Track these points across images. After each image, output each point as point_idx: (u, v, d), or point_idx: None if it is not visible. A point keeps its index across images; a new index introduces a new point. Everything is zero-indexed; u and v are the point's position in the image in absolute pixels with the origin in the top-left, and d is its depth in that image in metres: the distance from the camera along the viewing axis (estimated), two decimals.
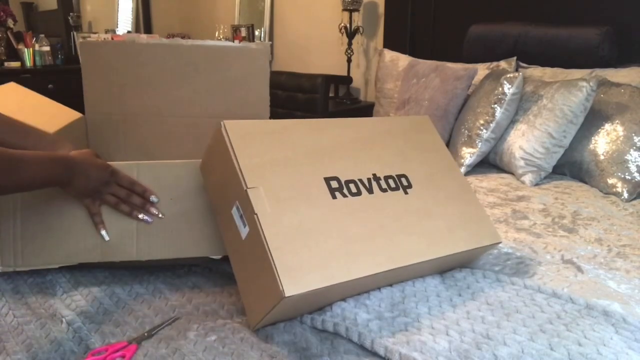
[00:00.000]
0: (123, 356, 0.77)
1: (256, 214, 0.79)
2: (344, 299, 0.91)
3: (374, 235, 0.88)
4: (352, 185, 0.91)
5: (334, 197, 0.87)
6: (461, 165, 1.86)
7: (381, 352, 0.78)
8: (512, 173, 1.83)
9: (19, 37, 3.24)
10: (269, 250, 0.77)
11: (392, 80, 2.51)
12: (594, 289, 1.02)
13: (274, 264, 0.76)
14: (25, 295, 0.96)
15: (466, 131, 1.90)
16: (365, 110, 2.80)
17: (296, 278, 0.76)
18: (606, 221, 1.41)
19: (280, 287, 0.74)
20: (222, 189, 0.90)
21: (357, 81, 3.19)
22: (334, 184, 0.89)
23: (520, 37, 2.22)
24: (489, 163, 1.93)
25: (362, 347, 0.81)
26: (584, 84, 1.71)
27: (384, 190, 0.94)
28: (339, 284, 0.80)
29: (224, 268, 1.07)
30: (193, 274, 1.05)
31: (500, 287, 1.00)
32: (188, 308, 0.92)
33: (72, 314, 0.89)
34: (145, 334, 0.83)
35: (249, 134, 0.88)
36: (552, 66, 2.10)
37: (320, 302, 0.88)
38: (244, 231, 0.83)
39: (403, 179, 0.99)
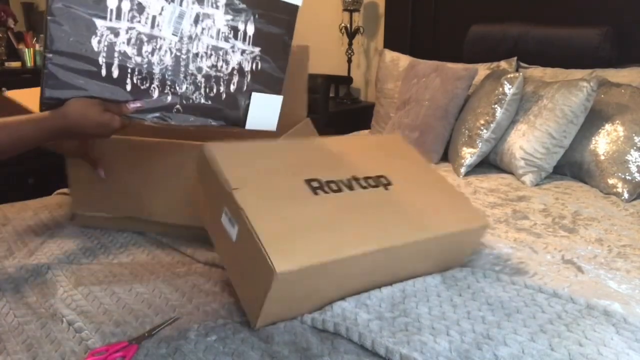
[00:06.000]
0: (123, 356, 0.77)
1: (242, 209, 0.83)
2: (344, 299, 0.91)
3: (359, 220, 0.91)
4: (332, 184, 0.95)
5: (316, 193, 0.92)
6: (461, 165, 1.86)
7: (382, 352, 0.78)
8: (512, 173, 1.83)
9: (20, 37, 3.24)
10: (257, 236, 0.80)
11: (392, 80, 2.51)
12: (595, 289, 1.02)
13: (263, 247, 0.78)
14: (25, 295, 0.96)
15: (466, 131, 1.90)
16: (365, 110, 2.80)
17: (286, 256, 0.79)
18: (606, 221, 1.41)
19: (271, 265, 0.76)
20: (211, 206, 0.95)
21: (358, 81, 3.19)
22: (315, 184, 0.93)
23: (521, 37, 2.22)
24: (489, 163, 1.93)
25: (362, 347, 0.81)
26: (585, 84, 1.71)
27: (364, 188, 0.98)
28: (331, 265, 0.83)
29: (225, 268, 1.07)
30: (193, 274, 1.05)
31: (501, 287, 1.00)
32: (188, 308, 0.92)
33: (72, 313, 0.89)
34: (146, 334, 0.83)
35: (232, 151, 0.95)
36: (553, 66, 2.10)
37: (317, 294, 0.88)
38: (233, 232, 0.86)
39: (382, 179, 1.02)
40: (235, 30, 0.94)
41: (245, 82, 0.99)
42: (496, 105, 1.83)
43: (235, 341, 0.82)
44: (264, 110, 1.02)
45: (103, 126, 0.86)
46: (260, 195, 0.87)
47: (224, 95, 0.97)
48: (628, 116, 1.68)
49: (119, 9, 0.82)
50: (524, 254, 1.19)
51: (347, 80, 3.09)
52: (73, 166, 1.21)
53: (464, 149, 1.88)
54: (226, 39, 0.93)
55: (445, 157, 2.02)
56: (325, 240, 0.85)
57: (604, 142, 1.70)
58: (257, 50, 0.98)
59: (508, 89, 1.82)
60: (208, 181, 0.94)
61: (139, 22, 0.85)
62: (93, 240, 1.21)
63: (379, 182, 1.01)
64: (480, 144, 1.85)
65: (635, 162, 1.62)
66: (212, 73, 0.94)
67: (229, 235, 0.87)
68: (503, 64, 2.22)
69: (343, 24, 2.92)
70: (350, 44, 2.97)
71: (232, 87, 0.97)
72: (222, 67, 0.95)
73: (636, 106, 1.69)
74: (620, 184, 1.61)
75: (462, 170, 1.85)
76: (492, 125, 1.83)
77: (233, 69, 0.96)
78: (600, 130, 1.73)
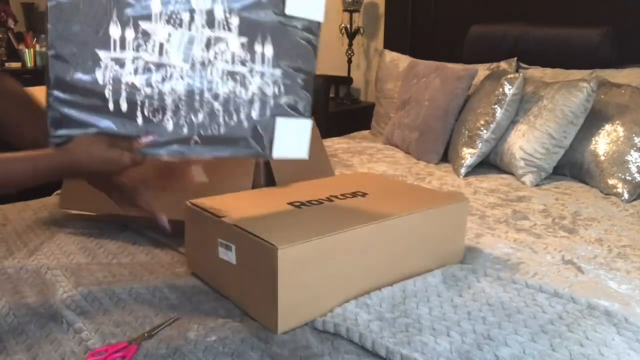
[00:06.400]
0: (123, 356, 0.77)
1: (234, 224, 0.90)
2: (346, 300, 0.91)
3: (346, 212, 1.01)
4: (313, 202, 1.05)
5: (300, 208, 1.02)
6: (461, 165, 1.86)
7: (382, 352, 0.78)
8: (512, 174, 1.83)
9: (20, 38, 3.24)
10: (253, 234, 0.86)
11: (392, 80, 2.51)
12: (595, 290, 1.02)
13: (261, 238, 0.84)
14: (25, 295, 0.96)
15: (466, 131, 1.90)
16: (365, 110, 2.80)
17: (284, 238, 0.84)
18: (606, 222, 1.41)
19: (272, 245, 0.82)
20: (205, 253, 0.99)
21: (358, 82, 3.19)
22: (297, 203, 1.03)
23: (521, 38, 2.22)
24: (489, 163, 1.93)
25: (363, 347, 0.80)
26: (585, 84, 1.71)
27: (342, 199, 1.08)
28: (329, 241, 0.88)
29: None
30: (193, 274, 1.05)
31: (502, 287, 0.99)
32: (188, 308, 0.92)
33: (72, 314, 0.89)
34: (146, 334, 0.83)
35: (215, 200, 1.03)
36: (553, 67, 2.10)
37: (326, 282, 0.90)
38: (232, 255, 0.92)
39: (358, 193, 1.13)
40: (252, 52, 0.86)
41: (268, 107, 0.90)
42: (496, 106, 1.83)
43: (235, 341, 0.82)
44: (291, 136, 0.93)
45: (111, 163, 0.79)
46: (248, 214, 0.96)
47: (245, 123, 0.88)
48: (628, 116, 1.68)
49: (122, 39, 0.76)
50: (524, 254, 1.19)
51: (347, 80, 3.09)
52: None
53: (464, 149, 1.88)
54: (243, 63, 0.86)
55: (445, 158, 2.02)
56: (317, 226, 0.92)
57: (604, 142, 1.70)
58: (278, 72, 0.89)
59: (508, 90, 1.82)
60: (198, 230, 1.03)
61: (145, 50, 0.78)
62: (93, 240, 1.21)
63: (356, 194, 1.11)
64: (480, 144, 1.85)
65: (635, 162, 1.62)
66: (230, 100, 0.87)
67: (228, 263, 0.93)
68: (503, 64, 2.22)
69: (343, 25, 2.92)
70: (350, 44, 2.97)
71: (254, 114, 0.89)
72: (240, 92, 0.87)
73: (636, 106, 1.69)
74: (620, 185, 1.61)
75: (462, 170, 1.85)
76: (492, 125, 1.83)
77: (253, 94, 0.88)
78: (600, 130, 1.73)
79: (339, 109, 2.94)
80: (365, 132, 2.64)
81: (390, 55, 2.58)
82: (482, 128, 1.85)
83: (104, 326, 0.86)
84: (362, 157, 2.08)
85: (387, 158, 2.09)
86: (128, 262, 1.11)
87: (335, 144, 2.32)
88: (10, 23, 3.19)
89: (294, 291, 0.85)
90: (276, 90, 0.90)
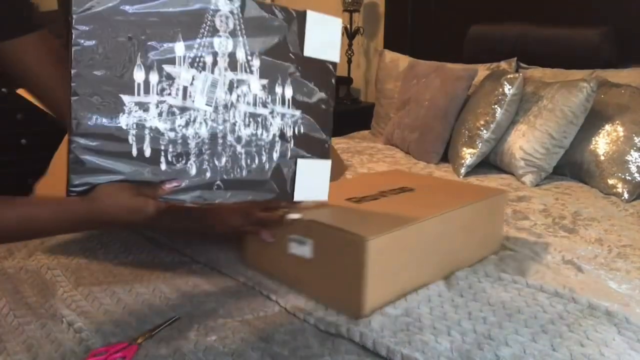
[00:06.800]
0: (124, 356, 0.77)
1: (311, 220, 0.91)
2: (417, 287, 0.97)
3: (408, 205, 1.07)
4: (368, 197, 1.09)
5: (359, 203, 1.06)
6: (461, 165, 1.86)
7: (383, 352, 0.78)
8: (512, 174, 1.83)
9: None
10: (337, 227, 0.90)
11: (392, 80, 2.51)
12: (595, 290, 1.02)
13: (347, 230, 0.88)
14: (25, 295, 0.96)
15: (466, 132, 1.90)
16: (365, 110, 2.80)
17: (368, 229, 0.88)
18: (606, 222, 1.41)
19: (361, 235, 0.86)
20: (272, 250, 1.02)
21: (358, 82, 3.19)
22: (355, 200, 1.08)
23: (521, 38, 2.22)
24: (490, 164, 1.93)
25: (363, 347, 0.80)
26: (585, 84, 1.71)
27: (394, 194, 1.13)
28: (407, 231, 0.93)
29: (224, 268, 1.07)
30: (193, 274, 1.05)
31: (502, 287, 1.00)
32: (188, 308, 0.92)
33: (72, 314, 0.89)
34: (146, 334, 0.83)
35: None
36: (553, 67, 2.10)
37: (405, 269, 0.95)
38: (306, 250, 0.95)
39: (406, 189, 1.17)
40: (272, 94, 0.86)
41: (289, 148, 0.89)
42: (496, 106, 1.83)
43: (235, 341, 0.82)
44: (312, 177, 0.93)
45: (135, 212, 0.75)
46: (318, 211, 0.98)
47: (266, 166, 0.87)
48: (628, 116, 1.68)
49: (146, 83, 0.74)
50: (524, 254, 1.18)
51: (347, 80, 3.08)
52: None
53: (464, 149, 1.88)
54: (264, 104, 0.86)
55: (445, 158, 2.02)
56: (392, 218, 0.96)
57: (603, 142, 1.71)
58: (298, 112, 0.90)
59: (508, 90, 1.82)
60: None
61: (169, 94, 0.76)
62: (93, 240, 1.20)
63: (404, 190, 1.16)
64: (480, 144, 1.85)
65: (635, 162, 1.62)
66: (252, 142, 0.86)
67: (301, 256, 0.96)
68: (503, 64, 2.22)
69: (343, 25, 2.92)
70: (350, 44, 2.97)
71: (275, 156, 0.88)
72: (262, 135, 0.86)
73: (636, 106, 1.69)
74: (620, 184, 1.61)
75: (462, 170, 1.85)
76: (492, 125, 1.83)
77: (274, 135, 0.87)
78: (600, 130, 1.73)
79: (338, 109, 2.90)
80: (365, 132, 2.64)
81: (390, 55, 2.59)
82: (482, 128, 1.85)
83: (104, 326, 0.86)
84: (362, 157, 2.08)
85: (387, 158, 2.09)
86: (128, 261, 1.11)
87: (335, 144, 2.32)
88: None
89: (377, 279, 0.89)
90: (296, 131, 0.90)
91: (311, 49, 0.90)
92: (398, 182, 1.22)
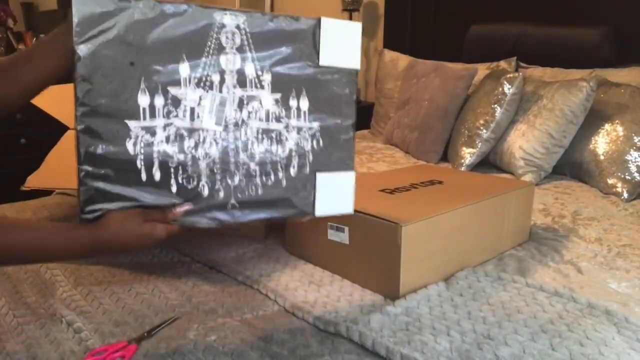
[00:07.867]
0: (123, 356, 0.77)
1: (354, 210, 0.91)
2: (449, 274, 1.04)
3: (440, 195, 1.15)
4: (401, 188, 1.17)
5: (393, 194, 1.13)
6: (461, 165, 1.86)
7: (382, 352, 0.78)
8: (512, 173, 1.82)
9: (19, 38, 3.24)
10: (373, 215, 0.97)
11: (392, 80, 2.51)
12: (594, 289, 1.02)
13: (383, 218, 0.96)
14: (25, 295, 0.96)
15: (466, 131, 1.90)
16: (365, 110, 2.80)
17: (403, 217, 0.96)
18: (606, 221, 1.40)
19: (396, 224, 0.93)
20: (310, 235, 1.11)
21: (357, 81, 3.19)
22: (388, 191, 1.16)
23: (520, 37, 2.22)
24: (489, 163, 1.93)
25: (363, 347, 0.80)
26: (584, 84, 1.71)
27: (424, 186, 1.21)
28: (439, 218, 1.01)
29: (224, 268, 1.07)
30: (192, 274, 1.05)
31: (502, 287, 1.00)
32: (188, 308, 0.92)
33: (71, 314, 0.89)
34: (145, 334, 0.83)
35: None
36: (552, 66, 2.10)
37: (438, 254, 1.02)
38: (344, 236, 1.03)
39: (435, 182, 1.25)
40: (287, 107, 0.83)
41: (307, 163, 0.86)
42: (496, 105, 1.83)
43: (234, 341, 0.82)
44: (334, 191, 0.89)
45: (145, 238, 0.74)
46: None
47: (284, 182, 0.84)
48: (628, 116, 1.68)
49: (152, 106, 0.73)
50: (524, 254, 1.19)
51: None
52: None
53: (464, 148, 1.88)
54: (278, 119, 0.82)
55: (444, 157, 2.02)
56: (425, 207, 1.04)
57: (603, 142, 1.70)
58: (315, 125, 0.85)
59: (507, 89, 1.82)
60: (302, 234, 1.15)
61: (176, 116, 0.75)
62: None
63: (433, 182, 1.24)
64: (480, 143, 1.85)
65: (634, 161, 1.62)
66: (267, 159, 0.83)
67: (340, 243, 1.04)
68: (503, 64, 2.22)
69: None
70: None
71: (293, 171, 0.85)
72: (277, 150, 0.83)
73: (636, 106, 1.69)
74: (620, 184, 1.61)
75: (462, 170, 1.85)
76: (491, 125, 1.83)
77: (290, 150, 0.84)
78: (599, 130, 1.73)
79: None
80: (365, 132, 2.64)
81: (390, 55, 2.58)
82: (481, 127, 1.85)
83: (104, 326, 0.86)
84: (361, 157, 2.08)
85: (386, 158, 2.09)
86: (127, 261, 1.11)
87: None
88: (10, 23, 3.19)
89: (411, 263, 0.96)
90: (315, 144, 0.86)
91: (327, 58, 0.86)
92: (428, 176, 1.29)
